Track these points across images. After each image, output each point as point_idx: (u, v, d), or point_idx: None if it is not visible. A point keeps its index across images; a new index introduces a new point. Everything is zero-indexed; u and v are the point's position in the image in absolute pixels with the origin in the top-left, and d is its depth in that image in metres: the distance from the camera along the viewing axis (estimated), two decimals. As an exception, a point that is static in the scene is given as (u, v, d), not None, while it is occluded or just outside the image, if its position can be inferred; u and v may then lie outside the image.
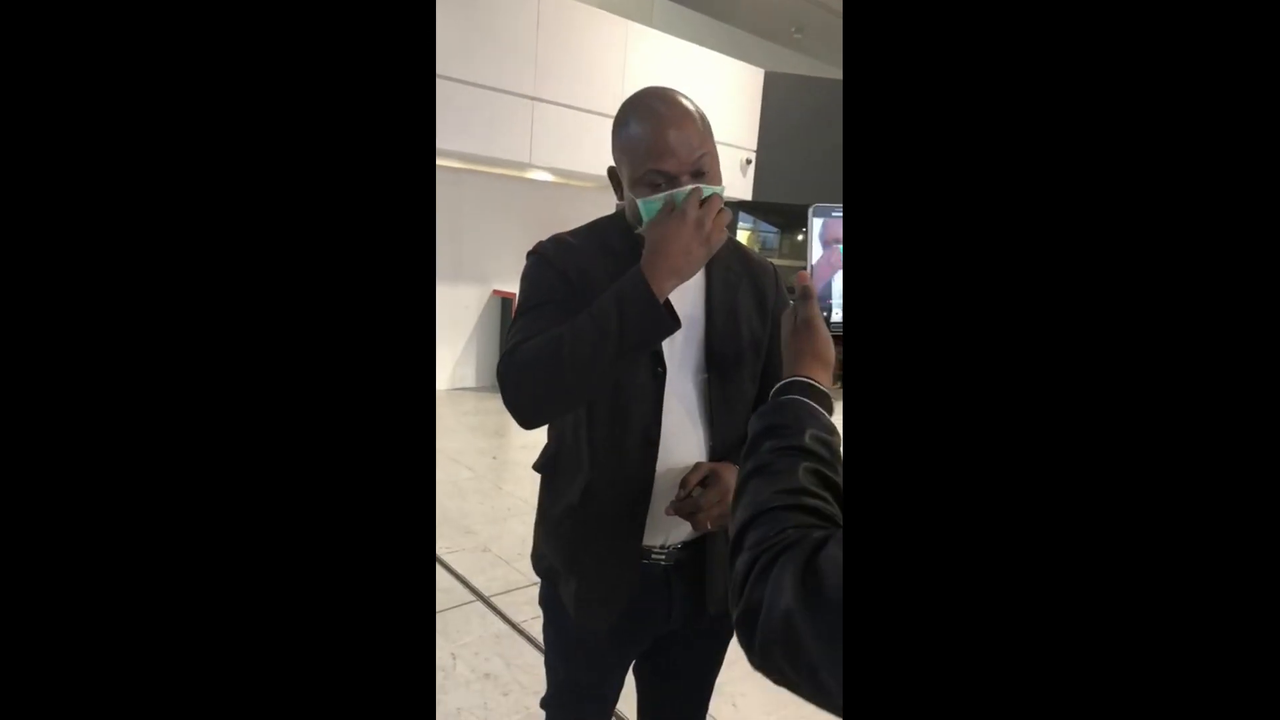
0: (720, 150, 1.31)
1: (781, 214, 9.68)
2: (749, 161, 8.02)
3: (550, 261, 1.35)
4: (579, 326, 1.19)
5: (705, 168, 1.25)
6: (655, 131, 1.23)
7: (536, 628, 3.02)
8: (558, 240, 1.40)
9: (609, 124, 1.36)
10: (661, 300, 1.17)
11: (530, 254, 1.39)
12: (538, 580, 1.53)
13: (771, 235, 10.18)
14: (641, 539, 1.38)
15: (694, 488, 1.31)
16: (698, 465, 1.34)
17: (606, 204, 8.34)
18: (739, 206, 8.42)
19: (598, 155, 6.53)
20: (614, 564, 1.39)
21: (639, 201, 1.26)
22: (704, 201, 1.22)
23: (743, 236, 9.46)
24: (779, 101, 8.05)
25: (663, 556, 1.42)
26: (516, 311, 1.36)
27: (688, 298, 1.36)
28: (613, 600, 1.40)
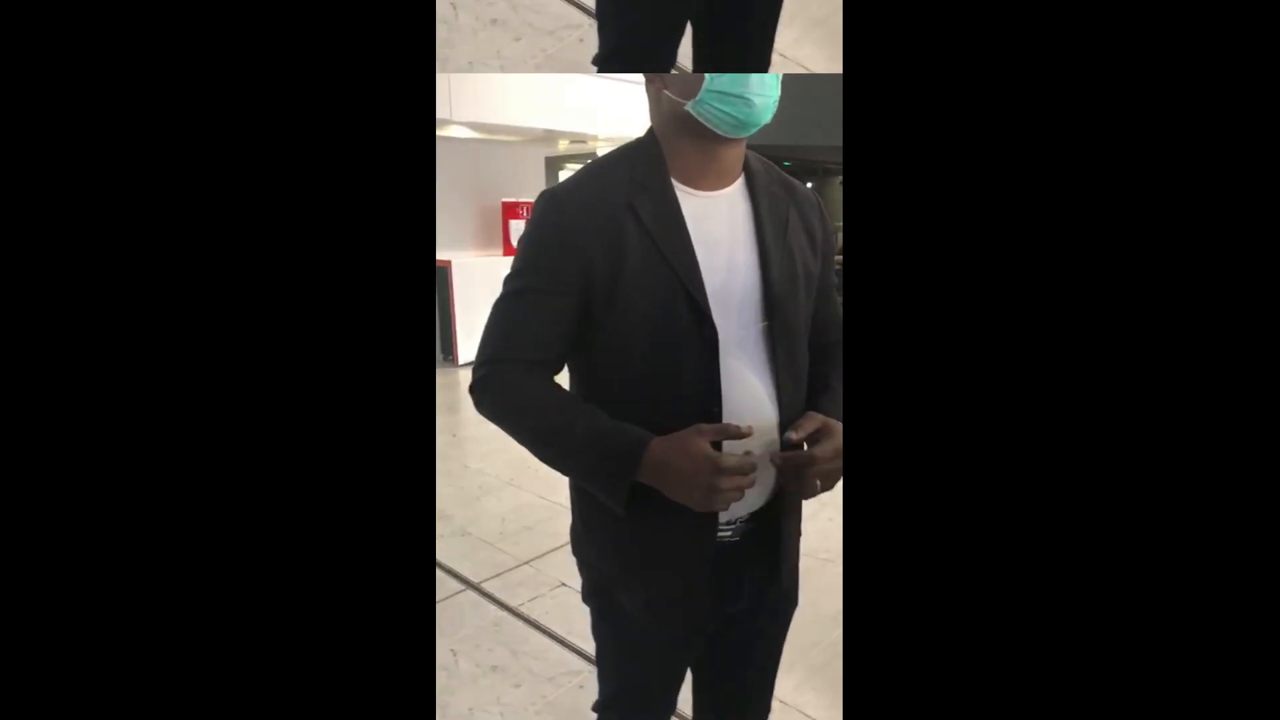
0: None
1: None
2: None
3: (561, 223, 1.14)
4: (548, 432, 1.14)
5: None
6: None
7: (538, 610, 2.86)
8: (569, 187, 1.19)
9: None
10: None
11: (541, 200, 1.18)
12: (525, 561, 1.35)
13: None
14: (717, 530, 1.21)
15: (804, 439, 1.13)
16: (809, 415, 1.16)
17: (534, 159, 8.27)
18: (559, 160, 8.15)
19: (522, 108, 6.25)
20: (689, 562, 1.22)
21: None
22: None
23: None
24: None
25: (729, 532, 1.25)
26: (511, 274, 1.17)
27: (738, 235, 1.19)
28: (690, 601, 1.24)
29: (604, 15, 1.55)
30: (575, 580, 1.42)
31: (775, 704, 1.52)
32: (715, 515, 1.19)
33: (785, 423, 1.18)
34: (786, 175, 1.31)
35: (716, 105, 1.09)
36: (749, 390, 1.17)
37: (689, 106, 1.11)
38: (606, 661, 1.40)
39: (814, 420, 1.15)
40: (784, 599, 1.37)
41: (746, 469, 1.06)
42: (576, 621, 2.51)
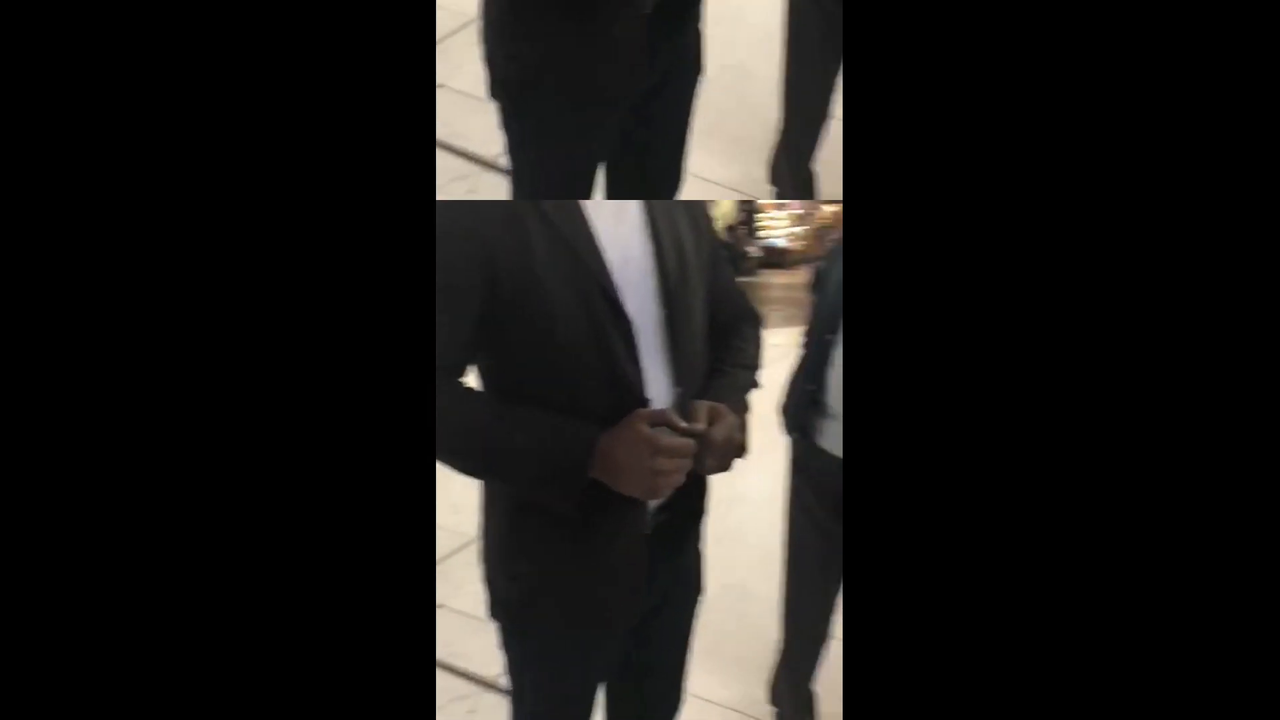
0: None
1: None
2: None
3: (463, 218, 1.13)
4: (484, 451, 1.11)
5: None
6: None
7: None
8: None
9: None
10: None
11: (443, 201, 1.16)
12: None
13: None
14: (647, 521, 1.20)
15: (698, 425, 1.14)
16: (696, 404, 1.17)
17: None
18: None
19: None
20: (623, 558, 1.21)
21: None
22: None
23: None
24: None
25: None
26: None
27: (629, 224, 1.21)
28: (622, 598, 1.23)
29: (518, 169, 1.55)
30: (453, 600, 1.36)
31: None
32: (645, 506, 1.19)
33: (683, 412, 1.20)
34: None
35: None
36: (656, 381, 1.19)
37: None
38: (522, 680, 1.36)
39: (702, 408, 1.16)
40: (689, 589, 1.39)
41: (686, 451, 1.08)
42: (456, 643, 2.39)
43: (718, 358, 1.31)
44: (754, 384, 1.35)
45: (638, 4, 1.25)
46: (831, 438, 1.75)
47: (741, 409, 1.26)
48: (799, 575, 1.92)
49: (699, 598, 1.42)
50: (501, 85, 1.43)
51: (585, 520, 1.16)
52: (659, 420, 1.09)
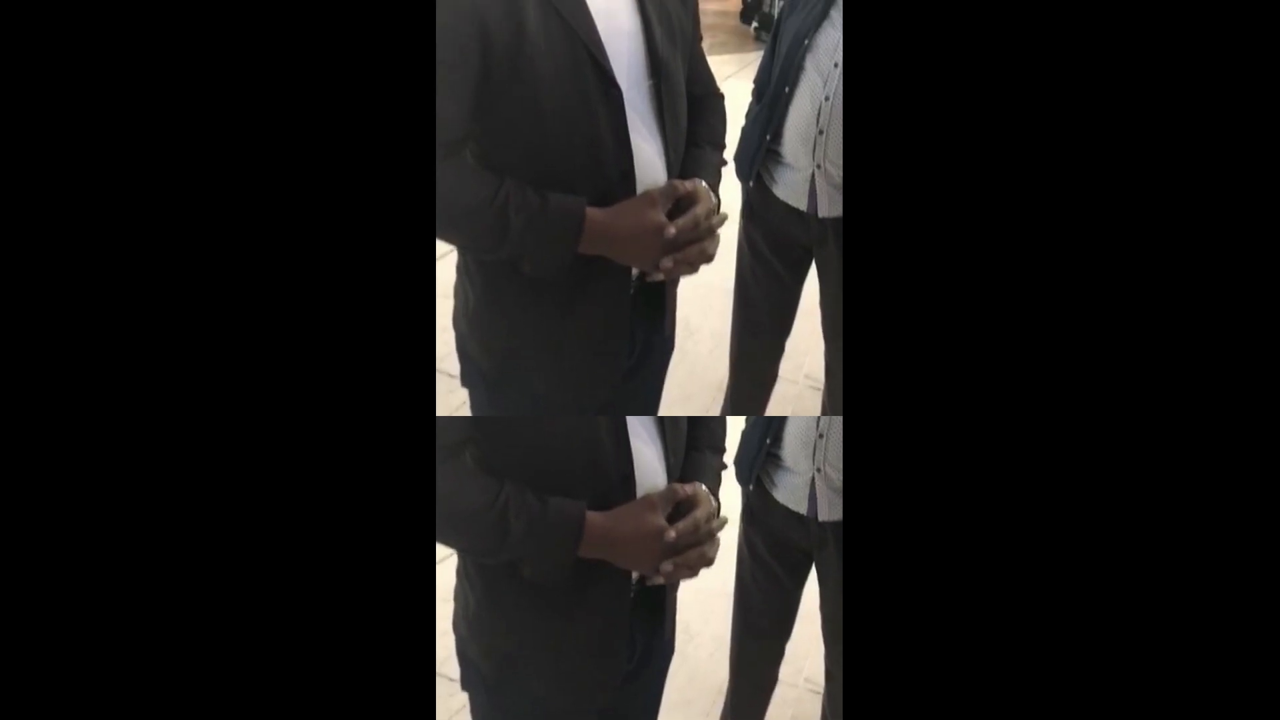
0: None
1: None
2: None
3: None
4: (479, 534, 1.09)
5: None
6: None
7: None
8: None
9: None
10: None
11: None
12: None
13: None
14: (631, 589, 1.19)
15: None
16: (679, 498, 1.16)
17: None
18: None
19: None
20: (606, 627, 1.18)
21: None
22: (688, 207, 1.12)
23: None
24: None
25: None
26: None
27: (618, 1, 1.19)
28: (604, 667, 1.20)
29: None
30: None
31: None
32: (629, 579, 1.17)
33: (671, 174, 1.22)
34: None
35: None
36: (642, 150, 1.20)
37: None
38: None
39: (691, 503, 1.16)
40: (665, 650, 1.36)
41: (704, 539, 1.11)
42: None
43: (692, 130, 1.32)
44: (724, 163, 1.38)
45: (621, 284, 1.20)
46: (787, 187, 1.76)
47: (716, 187, 1.29)
48: (748, 623, 1.93)
49: (669, 657, 1.39)
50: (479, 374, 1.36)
51: (567, 591, 1.14)
52: (670, 502, 1.11)
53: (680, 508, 1.16)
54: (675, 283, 1.31)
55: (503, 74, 1.10)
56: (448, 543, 1.16)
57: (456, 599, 1.30)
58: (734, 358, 2.08)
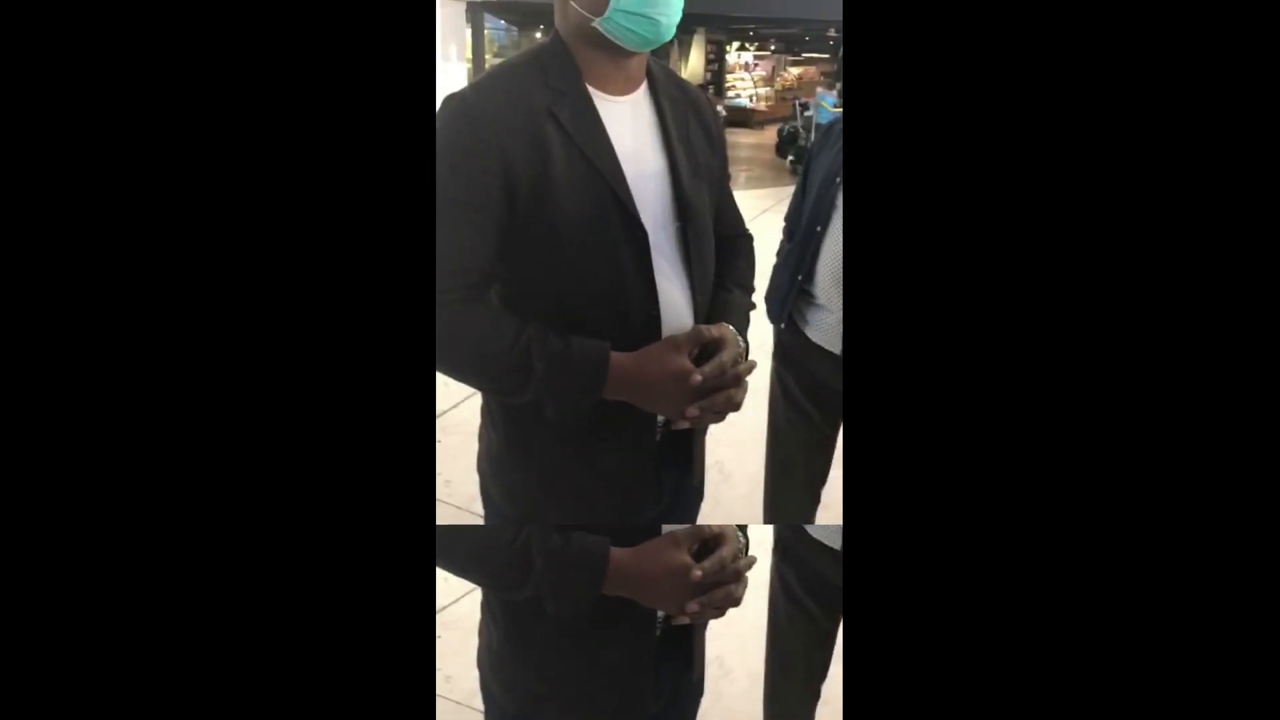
0: None
1: (518, 13, 9.33)
2: None
3: (478, 127, 1.07)
4: (499, 357, 1.06)
5: None
6: None
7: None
8: (480, 89, 1.13)
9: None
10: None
11: (450, 103, 1.10)
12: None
13: (500, 32, 9.83)
14: (656, 629, 1.15)
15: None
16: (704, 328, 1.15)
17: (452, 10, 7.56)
18: (483, 7, 7.88)
19: None
20: (633, 667, 1.15)
21: None
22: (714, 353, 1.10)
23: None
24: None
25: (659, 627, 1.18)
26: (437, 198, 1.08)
27: (646, 138, 1.18)
28: (634, 702, 1.17)
29: None
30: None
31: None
32: (653, 617, 1.14)
33: (698, 322, 1.19)
34: (681, 78, 1.32)
35: (624, 24, 1.09)
36: (669, 293, 1.17)
37: (596, 24, 1.09)
38: None
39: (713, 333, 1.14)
40: (695, 690, 1.34)
41: (729, 578, 1.06)
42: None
43: (720, 273, 1.29)
44: (753, 305, 1.34)
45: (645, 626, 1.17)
46: (820, 330, 1.73)
47: (744, 330, 1.25)
48: (783, 458, 1.93)
49: (698, 697, 1.37)
50: None
51: (591, 625, 1.11)
52: (696, 540, 1.07)
53: (707, 349, 1.13)
54: (704, 625, 1.26)
55: (527, 215, 1.08)
56: (471, 382, 1.14)
57: (480, 634, 1.27)
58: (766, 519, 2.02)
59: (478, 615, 1.27)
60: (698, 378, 1.08)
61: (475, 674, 1.28)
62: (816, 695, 1.90)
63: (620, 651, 1.16)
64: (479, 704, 1.31)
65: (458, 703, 2.33)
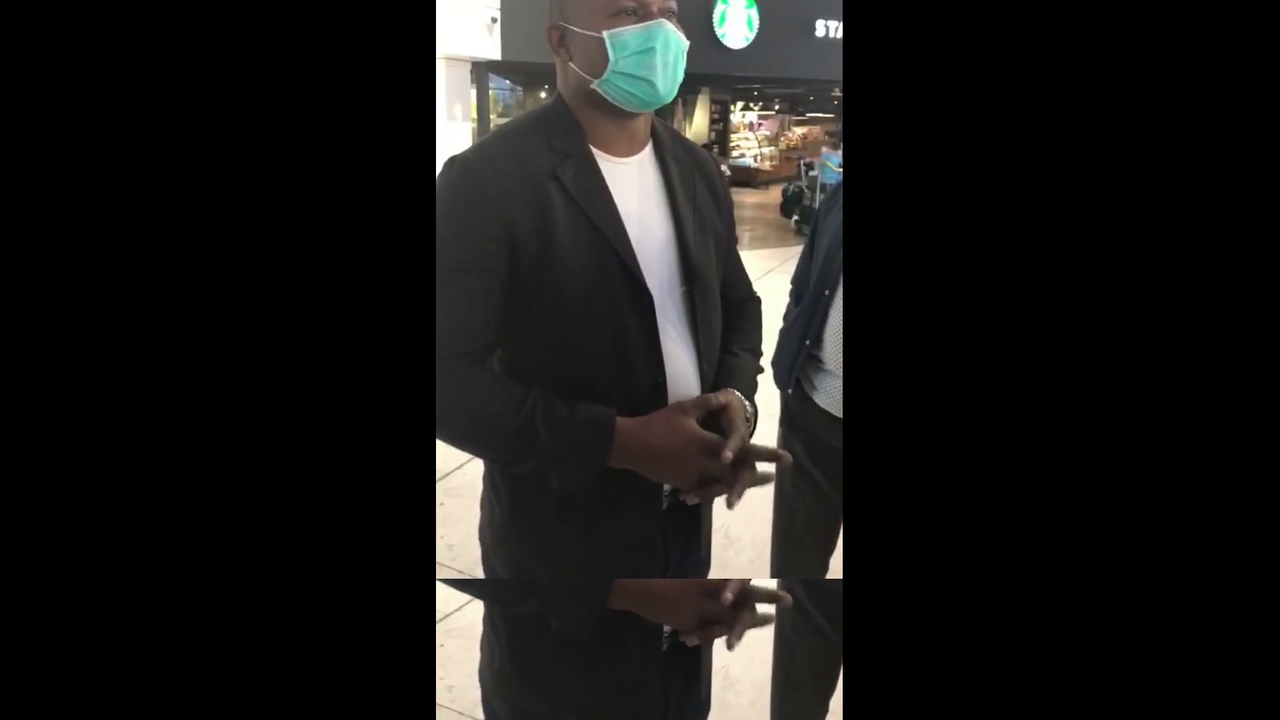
0: (467, 7, 1.16)
1: (523, 73, 9.41)
2: (495, 20, 7.50)
3: (480, 191, 1.05)
4: (501, 426, 1.03)
5: (674, 8, 1.10)
6: None
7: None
8: (482, 151, 1.10)
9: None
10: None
11: (451, 166, 1.08)
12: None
13: (505, 92, 9.89)
14: (662, 644, 1.15)
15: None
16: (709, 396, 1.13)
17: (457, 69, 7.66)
18: (488, 67, 7.94)
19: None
20: (637, 671, 1.14)
21: (607, 36, 1.05)
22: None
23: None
24: (514, -44, 7.50)
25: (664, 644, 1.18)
26: (438, 263, 1.05)
27: (652, 201, 1.16)
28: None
29: None
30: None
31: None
32: (659, 632, 1.14)
33: (705, 388, 1.17)
34: (687, 139, 1.30)
35: (622, 86, 1.08)
36: (675, 358, 1.14)
37: (595, 85, 1.08)
38: None
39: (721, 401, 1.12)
40: (700, 708, 1.33)
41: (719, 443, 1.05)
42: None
43: (727, 337, 1.27)
44: (760, 370, 1.32)
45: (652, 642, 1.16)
46: (828, 395, 1.70)
47: (751, 395, 1.22)
48: (792, 529, 1.88)
49: (707, 715, 1.36)
50: None
51: (596, 640, 1.10)
52: (704, 407, 1.08)
53: (713, 417, 1.10)
54: (710, 643, 1.22)
55: (530, 279, 1.05)
56: (473, 450, 1.11)
57: (482, 648, 1.25)
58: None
59: (480, 626, 1.24)
60: (729, 454, 1.04)
61: (477, 685, 1.25)
62: (825, 708, 1.87)
63: (626, 667, 1.14)
64: (480, 715, 1.28)
65: (460, 713, 2.29)
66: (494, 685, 1.22)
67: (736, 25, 9.51)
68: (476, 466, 1.27)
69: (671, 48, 1.07)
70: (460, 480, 3.39)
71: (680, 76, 1.11)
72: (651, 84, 1.07)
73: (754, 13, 9.56)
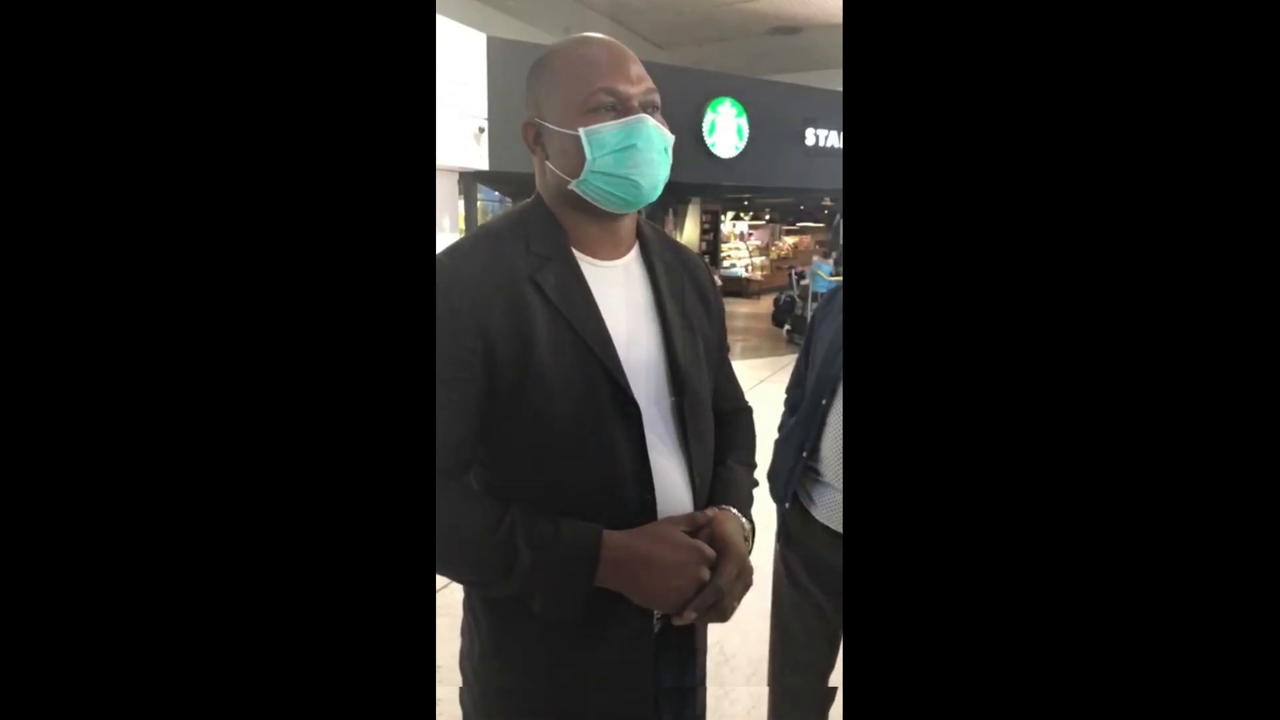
0: (454, 116, 1.16)
1: (513, 183, 9.48)
2: (482, 130, 7.47)
3: (456, 298, 1.00)
4: (481, 548, 0.98)
5: (656, 103, 1.07)
6: (606, 51, 1.05)
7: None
8: (457, 256, 1.05)
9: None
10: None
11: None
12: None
13: (495, 203, 10.01)
14: (653, 637, 1.10)
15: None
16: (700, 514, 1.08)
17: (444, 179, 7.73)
18: (475, 177, 7.97)
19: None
20: (627, 654, 1.09)
21: (584, 133, 1.02)
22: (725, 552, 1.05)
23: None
24: (503, 68, 7.50)
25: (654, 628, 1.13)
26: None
27: (638, 305, 1.12)
28: (631, 704, 1.10)
29: None
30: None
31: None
32: (650, 625, 1.09)
33: (698, 503, 1.12)
34: (675, 240, 1.27)
35: (602, 185, 1.03)
36: (665, 473, 1.08)
37: (573, 185, 1.04)
38: None
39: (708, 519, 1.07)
40: (700, 687, 1.27)
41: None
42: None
43: (719, 449, 1.21)
44: (755, 484, 1.26)
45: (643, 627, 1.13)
46: (827, 509, 1.63)
47: (747, 510, 1.18)
48: (790, 651, 1.80)
49: (704, 701, 1.29)
50: None
51: (583, 623, 1.04)
52: (691, 523, 1.04)
53: (702, 535, 1.04)
54: (705, 626, 1.19)
55: (509, 391, 1.00)
56: (450, 574, 1.01)
57: (463, 635, 1.18)
58: (772, 706, 1.86)
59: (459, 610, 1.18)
60: (721, 583, 1.00)
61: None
62: (828, 674, 1.79)
63: (615, 652, 1.07)
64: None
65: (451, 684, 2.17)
66: (475, 674, 1.16)
67: (726, 134, 9.66)
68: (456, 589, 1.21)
69: (655, 144, 1.03)
70: (450, 599, 3.31)
71: (665, 174, 1.07)
72: (633, 183, 1.03)
73: (744, 121, 9.74)
